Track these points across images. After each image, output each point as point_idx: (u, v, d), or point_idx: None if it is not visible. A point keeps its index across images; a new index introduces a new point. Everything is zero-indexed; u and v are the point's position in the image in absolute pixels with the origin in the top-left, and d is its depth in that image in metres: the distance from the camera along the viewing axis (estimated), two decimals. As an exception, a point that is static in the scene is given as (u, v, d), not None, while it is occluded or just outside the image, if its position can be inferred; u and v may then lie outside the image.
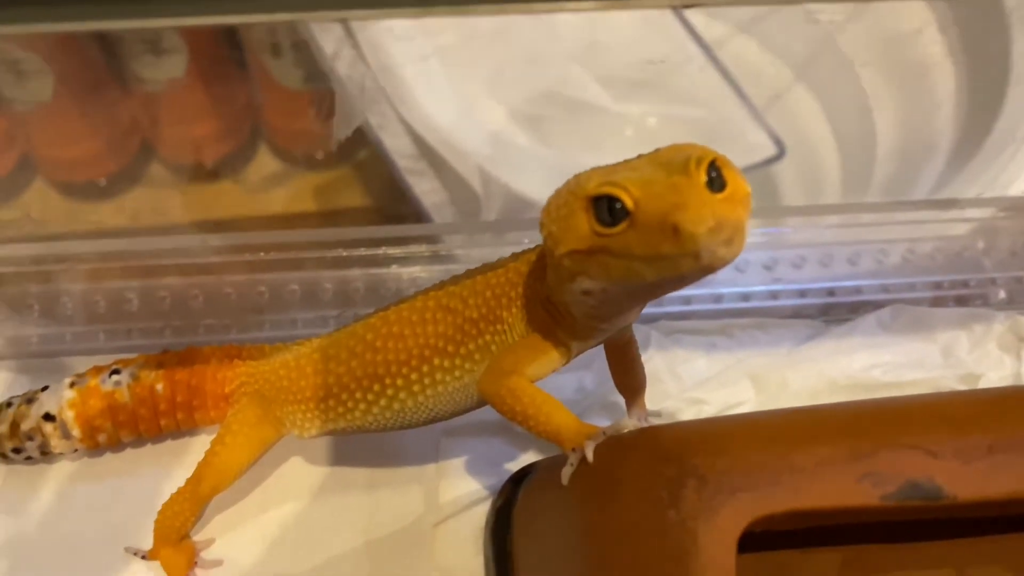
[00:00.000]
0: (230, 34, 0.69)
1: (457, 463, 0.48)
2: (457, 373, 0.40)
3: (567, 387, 0.50)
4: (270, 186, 0.76)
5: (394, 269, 0.57)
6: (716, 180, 0.30)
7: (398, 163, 0.68)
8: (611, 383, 0.48)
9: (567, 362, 0.38)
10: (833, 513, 0.29)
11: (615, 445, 0.33)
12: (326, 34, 0.67)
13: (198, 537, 0.46)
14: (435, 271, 0.57)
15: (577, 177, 0.33)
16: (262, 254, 0.54)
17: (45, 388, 0.46)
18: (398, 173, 0.68)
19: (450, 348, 0.39)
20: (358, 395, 0.41)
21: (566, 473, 0.34)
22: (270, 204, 0.75)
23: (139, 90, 0.68)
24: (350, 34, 0.68)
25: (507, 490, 0.44)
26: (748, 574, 0.35)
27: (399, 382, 0.40)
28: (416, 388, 0.40)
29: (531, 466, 0.44)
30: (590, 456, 0.33)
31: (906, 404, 0.33)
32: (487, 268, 0.40)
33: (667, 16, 0.84)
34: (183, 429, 0.47)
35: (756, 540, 0.35)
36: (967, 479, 0.29)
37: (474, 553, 0.45)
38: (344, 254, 0.55)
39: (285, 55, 0.69)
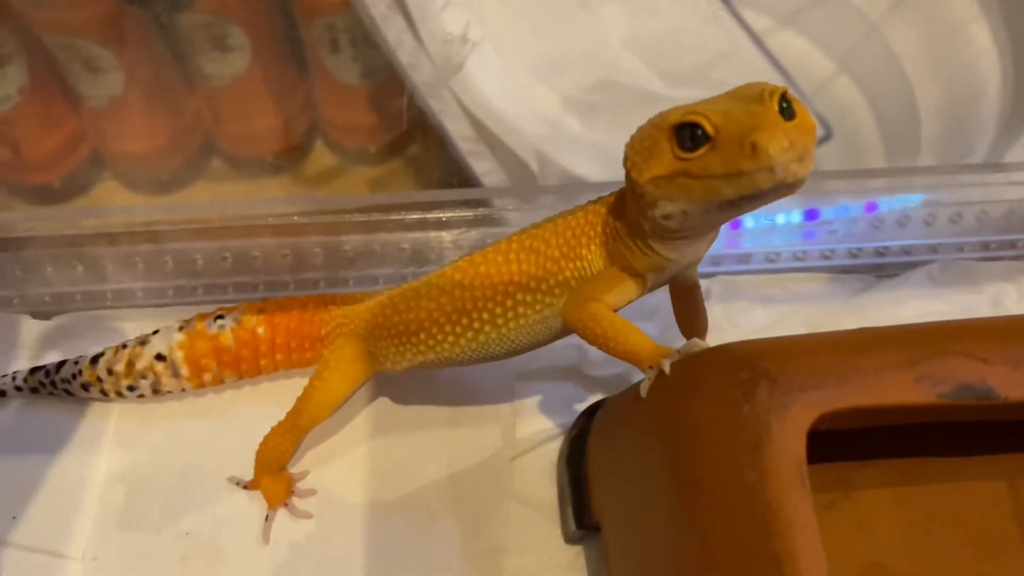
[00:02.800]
0: (291, 31, 0.72)
1: (531, 403, 0.51)
2: (538, 307, 0.43)
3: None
4: (326, 180, 0.79)
5: (465, 231, 0.61)
6: (787, 110, 0.33)
7: (460, 145, 0.72)
8: (672, 332, 0.52)
9: (642, 293, 0.42)
10: (893, 411, 0.32)
11: (690, 359, 0.36)
12: (388, 24, 0.71)
13: (294, 470, 0.50)
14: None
15: (660, 113, 0.36)
16: (347, 216, 0.58)
17: (156, 332, 0.51)
18: (460, 155, 0.72)
19: (532, 284, 0.43)
20: (447, 328, 0.45)
21: (644, 386, 0.37)
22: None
23: (203, 86, 0.71)
24: (411, 24, 0.72)
25: (581, 422, 0.47)
26: (814, 483, 0.38)
27: (485, 315, 0.44)
28: (500, 321, 0.44)
29: (602, 400, 0.48)
30: (667, 370, 0.36)
31: (958, 322, 0.35)
32: (567, 212, 0.43)
33: (716, 7, 0.87)
34: (281, 370, 0.51)
35: (819, 452, 0.38)
36: (1017, 381, 0.32)
37: (548, 483, 0.49)
38: (422, 217, 0.59)
39: (343, 51, 0.72)
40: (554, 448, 0.50)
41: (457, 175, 0.71)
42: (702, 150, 0.34)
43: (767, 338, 0.35)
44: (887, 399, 0.32)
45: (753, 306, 0.53)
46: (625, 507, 0.40)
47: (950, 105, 0.78)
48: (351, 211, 0.58)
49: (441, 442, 0.51)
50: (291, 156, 0.77)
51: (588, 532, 0.46)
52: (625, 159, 0.37)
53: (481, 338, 0.45)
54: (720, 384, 0.33)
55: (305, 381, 0.48)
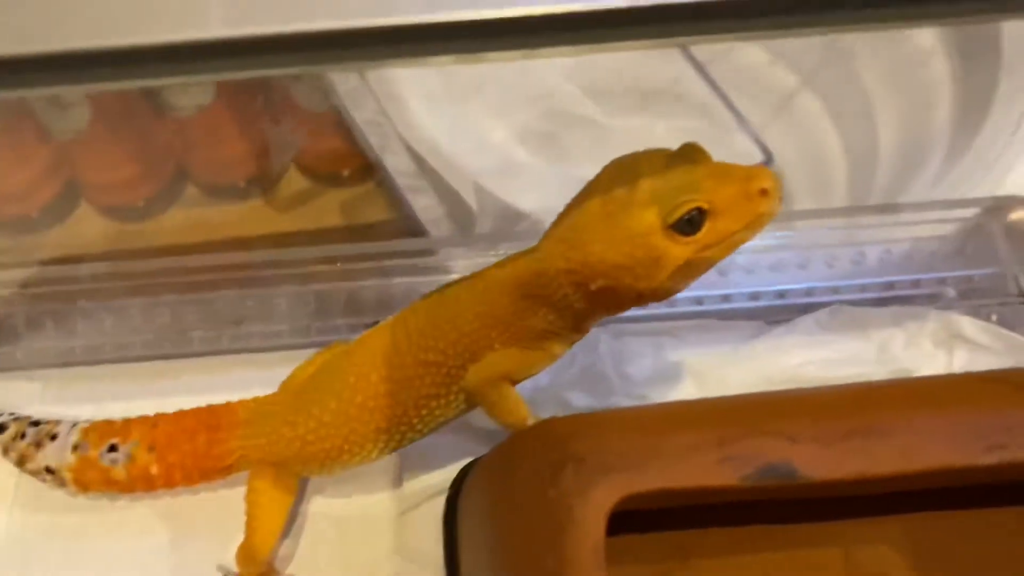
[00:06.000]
0: None
1: (420, 458, 0.52)
2: (454, 405, 0.44)
3: (523, 385, 0.54)
4: (299, 203, 0.80)
5: (397, 280, 0.62)
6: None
7: (398, 181, 0.72)
8: (562, 380, 0.53)
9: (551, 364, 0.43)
10: (697, 492, 0.32)
11: (516, 436, 0.37)
12: None
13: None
14: (433, 281, 0.61)
15: (617, 223, 0.35)
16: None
17: (55, 437, 0.49)
18: (398, 191, 0.73)
19: (442, 391, 0.43)
20: (368, 446, 0.45)
21: None
22: (299, 221, 0.79)
23: (171, 117, 0.72)
24: None
25: (456, 481, 0.48)
26: (649, 552, 0.39)
27: (403, 428, 0.45)
28: (419, 426, 0.45)
29: (475, 460, 0.48)
30: None
31: (777, 396, 0.36)
32: (455, 318, 0.42)
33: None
34: None
35: (656, 521, 0.39)
36: (822, 461, 0.32)
37: (435, 539, 0.49)
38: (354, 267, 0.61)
39: (304, 79, 0.73)
40: (442, 503, 0.50)
41: (401, 211, 0.72)
42: (706, 225, 0.35)
43: (588, 414, 0.36)
44: (690, 481, 0.32)
45: (642, 355, 0.53)
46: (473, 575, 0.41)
47: (905, 121, 0.78)
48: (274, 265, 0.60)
49: (328, 496, 0.51)
50: (264, 181, 0.78)
51: (466, 591, 0.46)
52: (612, 281, 0.36)
53: (406, 441, 0.46)
54: (534, 464, 0.34)
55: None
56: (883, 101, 0.80)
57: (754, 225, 0.36)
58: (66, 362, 0.57)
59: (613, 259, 0.36)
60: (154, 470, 0.48)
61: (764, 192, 0.35)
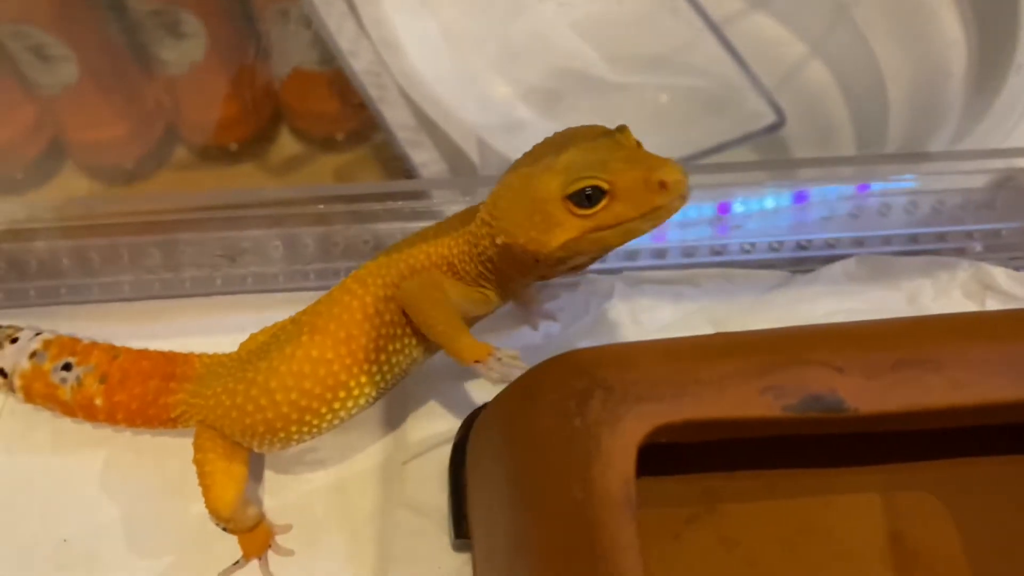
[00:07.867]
0: (247, 17, 0.70)
1: (424, 406, 0.50)
2: (407, 351, 0.43)
3: (533, 335, 0.51)
4: (291, 168, 0.77)
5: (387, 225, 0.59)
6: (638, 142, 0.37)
7: (397, 134, 0.70)
8: (574, 329, 0.50)
9: (490, 312, 0.43)
10: (735, 424, 0.30)
11: (537, 367, 0.34)
12: (329, 9, 0.69)
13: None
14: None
15: (528, 185, 0.37)
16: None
17: (15, 340, 0.48)
18: (398, 145, 0.70)
19: (398, 331, 0.42)
20: (324, 410, 0.43)
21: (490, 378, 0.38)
22: (291, 185, 0.76)
23: (161, 74, 0.69)
24: (353, 9, 0.70)
25: (463, 428, 0.46)
26: (675, 495, 0.36)
27: (362, 379, 0.42)
28: (378, 378, 0.43)
29: (484, 405, 0.46)
30: (486, 374, 0.38)
31: (821, 327, 0.33)
32: (401, 253, 0.43)
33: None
34: None
35: (684, 463, 0.36)
36: (870, 393, 0.30)
37: (439, 489, 0.47)
38: (354, 208, 0.58)
39: (300, 37, 0.71)
40: (446, 452, 0.48)
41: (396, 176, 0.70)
42: (603, 202, 0.35)
43: (615, 344, 0.33)
44: (727, 412, 0.30)
45: (660, 303, 0.51)
46: (485, 519, 0.38)
47: (917, 88, 0.76)
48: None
49: (330, 447, 0.49)
50: (256, 144, 0.76)
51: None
52: (507, 235, 0.38)
53: (362, 401, 0.43)
54: (557, 394, 0.32)
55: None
56: (891, 56, 0.78)
57: (651, 217, 0.36)
58: (51, 302, 0.54)
59: (514, 216, 0.37)
60: (98, 402, 0.46)
61: (663, 185, 0.34)
